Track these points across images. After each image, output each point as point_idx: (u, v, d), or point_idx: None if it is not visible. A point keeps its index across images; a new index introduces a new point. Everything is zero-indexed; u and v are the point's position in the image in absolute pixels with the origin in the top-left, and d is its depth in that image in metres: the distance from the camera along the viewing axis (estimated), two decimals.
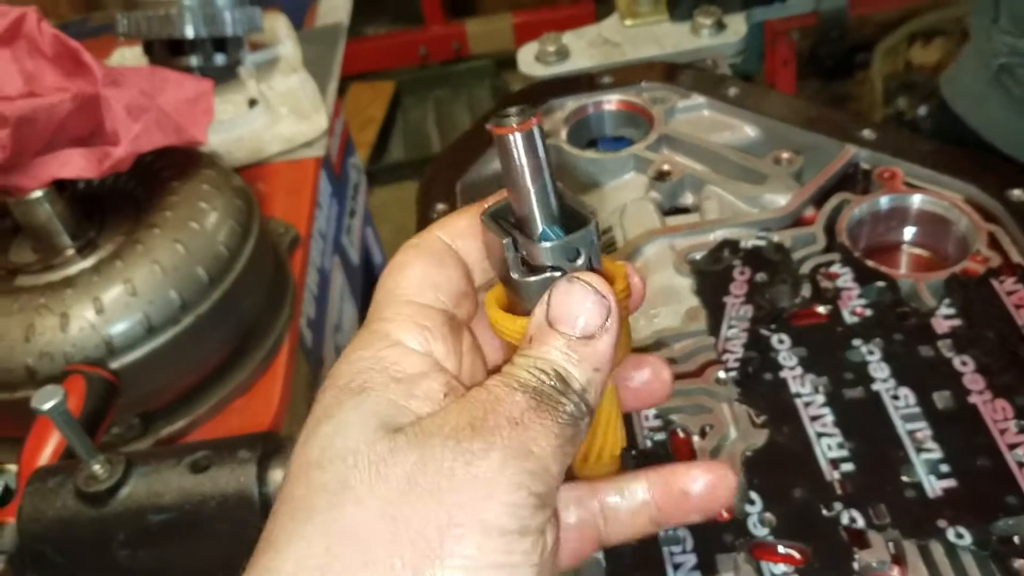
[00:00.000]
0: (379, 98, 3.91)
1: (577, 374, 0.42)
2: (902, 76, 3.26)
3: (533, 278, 0.44)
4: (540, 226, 0.44)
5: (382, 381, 0.42)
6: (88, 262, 1.11)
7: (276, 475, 0.88)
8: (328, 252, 1.63)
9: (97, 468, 0.86)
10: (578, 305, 0.43)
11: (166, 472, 0.87)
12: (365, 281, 1.97)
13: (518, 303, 0.46)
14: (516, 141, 0.42)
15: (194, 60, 1.54)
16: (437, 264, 0.46)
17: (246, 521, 0.85)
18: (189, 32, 1.48)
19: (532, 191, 0.43)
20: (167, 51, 1.53)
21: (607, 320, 0.43)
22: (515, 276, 0.45)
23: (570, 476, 0.48)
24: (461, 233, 0.48)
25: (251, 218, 1.23)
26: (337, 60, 1.84)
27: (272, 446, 0.90)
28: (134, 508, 0.85)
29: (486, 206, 0.47)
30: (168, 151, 1.18)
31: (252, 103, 1.58)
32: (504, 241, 0.44)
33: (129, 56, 1.74)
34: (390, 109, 3.91)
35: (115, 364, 1.04)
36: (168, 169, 1.21)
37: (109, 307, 1.04)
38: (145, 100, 1.14)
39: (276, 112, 1.60)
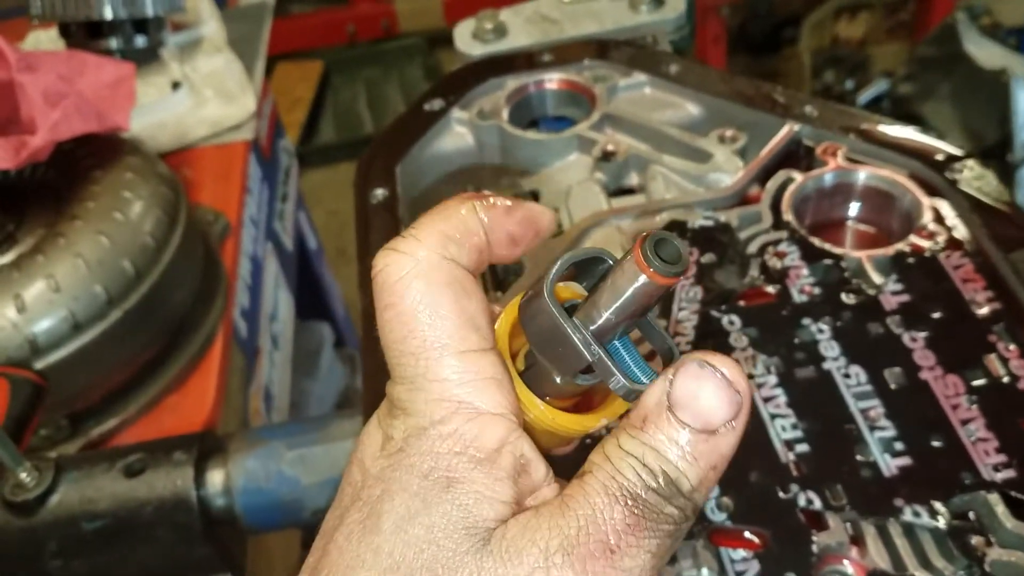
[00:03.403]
0: (307, 78, 3.83)
1: (691, 475, 0.38)
2: (829, 50, 3.31)
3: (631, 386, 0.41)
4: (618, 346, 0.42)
5: (465, 468, 0.39)
6: (7, 257, 1.06)
7: (215, 476, 0.85)
8: (260, 239, 1.59)
9: (24, 476, 0.82)
10: (707, 393, 0.39)
11: (99, 477, 0.83)
12: (300, 268, 1.93)
13: (548, 380, 0.43)
14: (659, 288, 0.39)
15: (114, 42, 1.48)
16: (463, 294, 0.42)
17: (185, 525, 0.82)
18: (108, 13, 1.42)
19: (630, 320, 0.41)
20: (85, 33, 1.47)
21: (736, 417, 0.39)
22: (584, 382, 0.43)
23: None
24: (462, 243, 0.42)
25: (178, 206, 1.18)
26: (263, 39, 1.78)
27: (209, 446, 0.87)
28: (65, 516, 0.82)
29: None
30: (89, 139, 1.13)
31: (175, 86, 1.53)
32: (593, 359, 0.40)
33: (44, 39, 1.67)
34: (319, 89, 3.84)
35: (40, 364, 1.00)
36: (89, 157, 1.16)
37: (31, 304, 1.00)
38: (63, 85, 1.09)
39: (201, 94, 1.55)
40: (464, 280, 0.42)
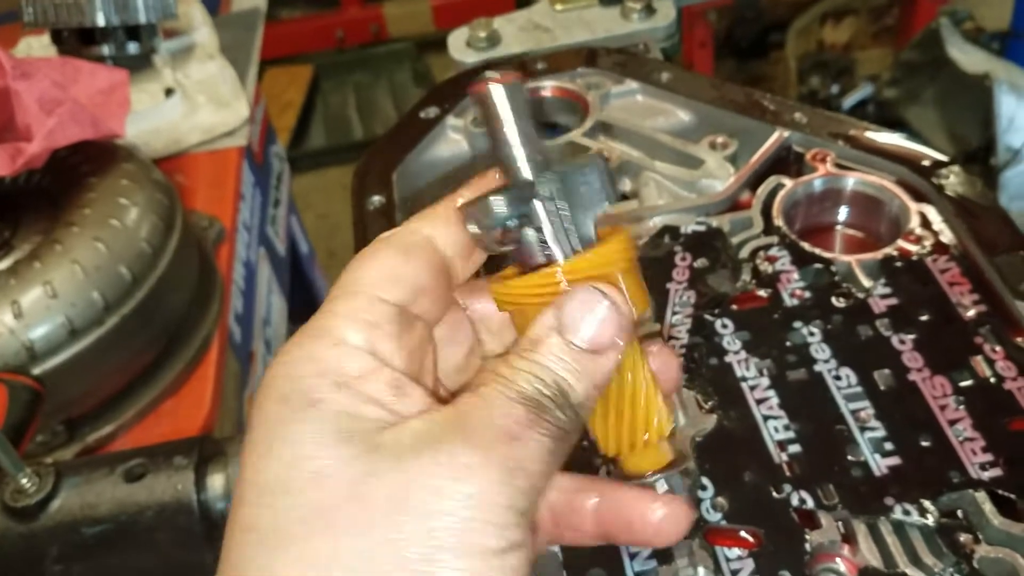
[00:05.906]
0: (297, 82, 3.83)
1: (579, 388, 0.41)
2: (815, 55, 3.34)
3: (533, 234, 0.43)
4: (531, 175, 0.43)
5: (327, 389, 0.39)
6: (3, 264, 1.06)
7: (215, 480, 0.85)
8: (253, 244, 1.59)
9: (24, 481, 0.82)
10: (593, 316, 0.41)
11: (99, 482, 0.84)
12: (292, 272, 1.94)
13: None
14: (500, 94, 0.42)
15: (106, 49, 1.48)
16: (402, 257, 0.44)
17: (186, 529, 0.83)
18: (100, 20, 1.42)
19: (521, 144, 0.43)
20: (77, 40, 1.47)
21: (619, 337, 0.42)
22: (490, 231, 0.43)
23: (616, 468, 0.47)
24: (442, 221, 0.46)
25: (174, 213, 1.19)
26: (256, 45, 1.79)
27: (209, 450, 0.87)
28: (66, 521, 0.82)
29: (461, 199, 0.46)
30: (84, 145, 1.14)
31: (168, 92, 1.53)
32: (492, 199, 0.42)
33: (36, 46, 1.67)
34: (309, 94, 3.84)
35: (37, 370, 1.00)
36: (85, 164, 1.16)
37: (28, 311, 1.00)
38: (58, 92, 1.09)
39: (194, 101, 1.55)
40: (414, 246, 0.45)
